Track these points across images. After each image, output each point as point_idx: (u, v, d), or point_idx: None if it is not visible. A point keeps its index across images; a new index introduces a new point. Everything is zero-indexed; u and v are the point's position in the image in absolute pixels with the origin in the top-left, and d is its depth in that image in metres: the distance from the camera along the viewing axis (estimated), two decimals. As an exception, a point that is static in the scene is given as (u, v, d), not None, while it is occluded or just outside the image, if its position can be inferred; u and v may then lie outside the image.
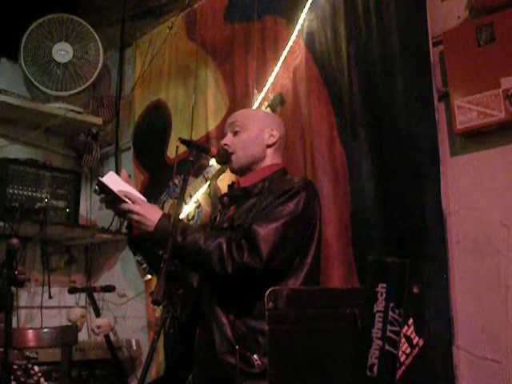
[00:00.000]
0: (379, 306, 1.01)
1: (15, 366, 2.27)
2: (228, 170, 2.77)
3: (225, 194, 1.95)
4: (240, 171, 1.90)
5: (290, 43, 2.68)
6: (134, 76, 3.56)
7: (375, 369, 1.00)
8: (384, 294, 1.01)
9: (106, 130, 3.69)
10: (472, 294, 2.08)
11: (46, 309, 3.28)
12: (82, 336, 3.19)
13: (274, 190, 1.75)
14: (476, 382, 2.03)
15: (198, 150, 1.82)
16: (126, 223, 1.75)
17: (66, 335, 2.50)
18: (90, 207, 3.70)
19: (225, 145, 1.89)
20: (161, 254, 1.58)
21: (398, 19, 2.32)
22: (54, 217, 3.20)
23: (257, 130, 1.90)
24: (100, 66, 3.46)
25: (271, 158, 1.90)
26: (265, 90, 2.73)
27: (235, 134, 1.90)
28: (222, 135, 1.98)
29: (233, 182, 1.97)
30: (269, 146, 1.90)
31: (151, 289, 3.04)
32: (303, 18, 2.64)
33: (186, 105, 3.18)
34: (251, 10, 2.89)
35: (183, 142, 1.81)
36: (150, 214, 1.67)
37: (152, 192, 3.25)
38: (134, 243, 1.84)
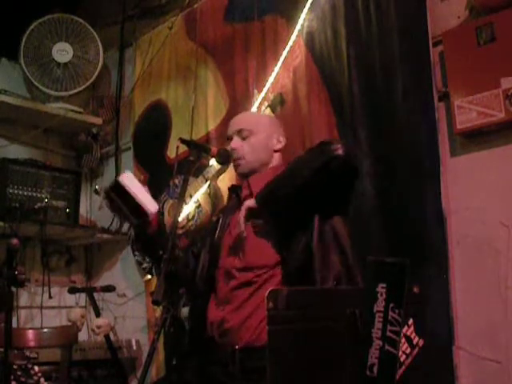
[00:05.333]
0: (379, 305, 1.01)
1: (15, 366, 2.27)
2: (228, 170, 2.78)
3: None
4: (248, 175, 1.90)
5: (290, 43, 2.67)
6: (133, 76, 3.56)
7: (375, 369, 1.00)
8: (384, 294, 1.01)
9: (106, 130, 3.69)
10: (472, 294, 2.08)
11: (46, 309, 3.28)
12: (82, 336, 3.19)
13: None
14: (476, 382, 2.03)
15: (199, 149, 1.82)
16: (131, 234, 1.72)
17: (66, 335, 2.51)
18: (89, 207, 3.70)
19: (233, 149, 1.88)
20: (160, 254, 1.58)
21: (398, 19, 2.32)
22: (53, 217, 3.20)
23: (265, 136, 1.91)
24: (100, 66, 3.46)
25: (276, 160, 1.92)
26: (265, 89, 2.73)
27: (243, 138, 1.89)
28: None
29: (233, 185, 1.97)
30: (275, 151, 1.92)
31: (151, 289, 3.04)
32: (303, 18, 2.64)
33: (185, 105, 3.18)
34: (251, 10, 2.89)
35: (183, 141, 1.81)
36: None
37: (152, 192, 3.23)
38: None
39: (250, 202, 1.69)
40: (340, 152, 1.62)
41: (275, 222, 1.69)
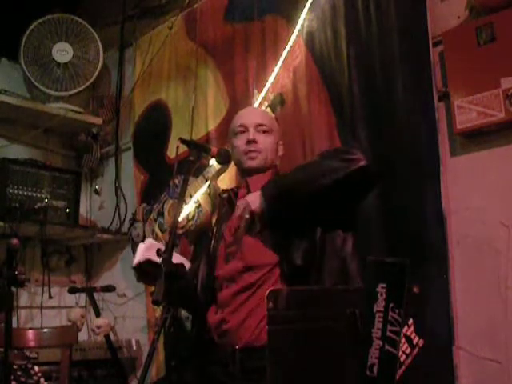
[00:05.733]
0: (379, 305, 1.01)
1: (15, 366, 2.27)
2: (228, 170, 2.78)
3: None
4: (255, 171, 1.87)
5: (290, 43, 2.67)
6: (133, 76, 3.56)
7: (375, 369, 1.00)
8: (384, 294, 1.01)
9: (106, 130, 3.69)
10: (472, 294, 2.08)
11: (46, 309, 3.28)
12: (82, 336, 3.19)
13: None
14: (476, 382, 2.03)
15: (199, 149, 1.81)
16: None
17: (66, 335, 2.51)
18: (90, 207, 3.71)
19: (254, 140, 1.84)
20: (161, 254, 1.58)
21: (398, 19, 2.32)
22: (54, 217, 3.20)
23: (277, 138, 1.92)
24: (100, 66, 3.46)
25: (277, 165, 1.93)
26: (265, 89, 2.73)
27: (263, 133, 1.87)
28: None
29: (224, 190, 1.96)
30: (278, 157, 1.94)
31: (151, 289, 3.04)
32: (303, 18, 2.64)
33: (186, 105, 3.18)
34: (251, 10, 2.89)
35: (183, 141, 1.81)
36: None
37: (152, 192, 3.25)
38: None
39: (254, 207, 1.65)
40: (363, 163, 1.61)
41: (278, 224, 1.67)
